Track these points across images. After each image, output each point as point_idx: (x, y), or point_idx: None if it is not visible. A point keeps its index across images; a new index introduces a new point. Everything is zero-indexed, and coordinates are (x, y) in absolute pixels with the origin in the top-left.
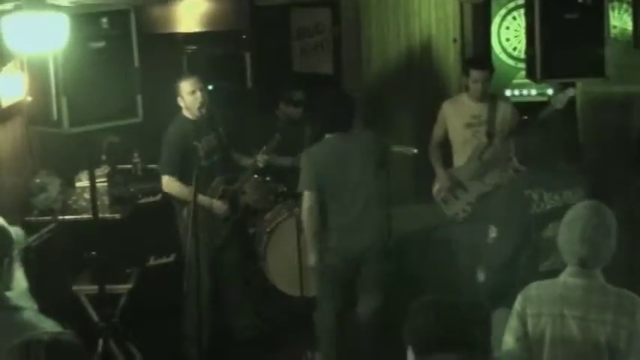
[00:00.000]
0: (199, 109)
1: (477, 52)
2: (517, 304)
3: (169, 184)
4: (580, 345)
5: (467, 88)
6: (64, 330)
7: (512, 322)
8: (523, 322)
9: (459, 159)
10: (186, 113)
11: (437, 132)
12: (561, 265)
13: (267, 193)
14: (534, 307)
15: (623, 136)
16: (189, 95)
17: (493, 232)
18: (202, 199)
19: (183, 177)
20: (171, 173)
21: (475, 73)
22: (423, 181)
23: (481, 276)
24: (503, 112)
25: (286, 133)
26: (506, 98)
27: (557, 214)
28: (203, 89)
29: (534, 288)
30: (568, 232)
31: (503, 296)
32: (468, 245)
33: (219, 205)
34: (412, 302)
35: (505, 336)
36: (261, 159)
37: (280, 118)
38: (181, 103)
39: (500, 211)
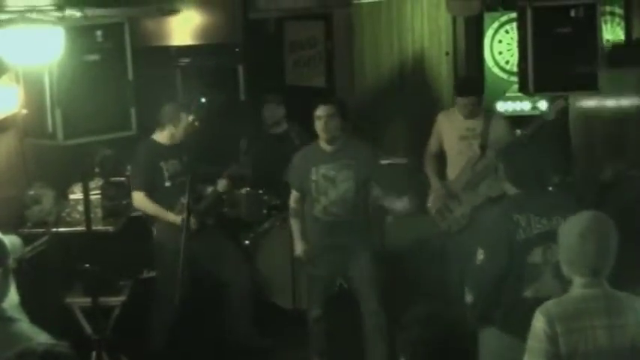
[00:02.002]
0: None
1: (469, 72)
2: (542, 325)
3: (137, 198)
4: (609, 353)
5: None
6: (58, 342)
7: (540, 344)
8: (554, 342)
9: (453, 170)
10: (156, 137)
11: (432, 143)
12: (546, 292)
13: (260, 206)
14: (563, 325)
15: (615, 148)
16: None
17: (480, 255)
18: (165, 214)
19: (151, 194)
20: (140, 188)
21: (460, 100)
22: (417, 192)
23: (469, 297)
24: (497, 125)
25: (273, 146)
26: (500, 114)
27: (542, 239)
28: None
29: (555, 306)
30: (581, 245)
31: (490, 317)
32: (461, 257)
33: (174, 218)
34: (405, 314)
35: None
36: (221, 185)
37: (267, 123)
38: (168, 128)
39: (488, 235)
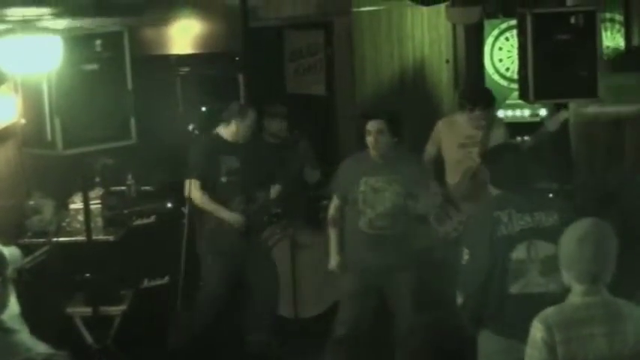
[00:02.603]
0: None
1: (470, 79)
2: (540, 333)
3: (193, 188)
4: None
5: (461, 106)
6: (57, 352)
7: (539, 353)
8: (552, 350)
9: (452, 178)
10: (220, 131)
11: (430, 150)
12: (533, 288)
13: (261, 214)
14: (562, 333)
15: (615, 155)
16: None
17: (466, 255)
18: (219, 210)
19: (204, 187)
20: (195, 176)
21: (478, 112)
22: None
23: (459, 299)
24: (497, 133)
25: (273, 157)
26: (500, 120)
27: (525, 235)
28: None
29: (554, 314)
30: (579, 251)
31: (481, 318)
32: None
33: (235, 217)
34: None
35: None
36: (274, 191)
37: (266, 139)
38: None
39: (471, 234)
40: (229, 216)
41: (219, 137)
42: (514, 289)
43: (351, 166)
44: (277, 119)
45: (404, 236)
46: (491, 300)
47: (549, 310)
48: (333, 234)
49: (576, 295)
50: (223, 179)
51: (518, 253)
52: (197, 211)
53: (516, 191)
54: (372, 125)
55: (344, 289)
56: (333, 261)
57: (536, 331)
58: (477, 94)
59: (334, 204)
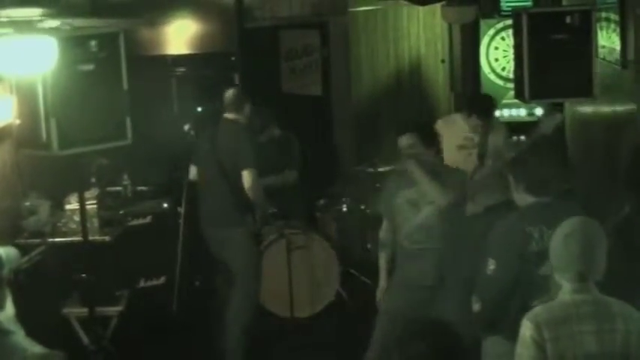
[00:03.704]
0: None
1: (465, 77)
2: (529, 332)
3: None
4: (598, 359)
5: (459, 110)
6: (53, 352)
7: (528, 351)
8: (541, 348)
9: None
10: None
11: None
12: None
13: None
14: (551, 331)
15: (612, 155)
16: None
17: (491, 265)
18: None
19: None
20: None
21: (477, 120)
22: None
23: (476, 306)
24: (496, 134)
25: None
26: (500, 123)
27: None
28: None
29: (543, 312)
30: (565, 248)
31: (495, 326)
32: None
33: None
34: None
35: None
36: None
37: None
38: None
39: (499, 245)
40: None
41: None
42: (537, 303)
43: (390, 181)
44: (260, 136)
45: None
46: (511, 311)
47: (538, 309)
48: (381, 259)
49: (565, 293)
50: None
51: (546, 269)
52: None
53: (547, 199)
54: (402, 141)
55: (382, 307)
56: (379, 287)
57: (526, 329)
58: (473, 101)
59: (383, 226)
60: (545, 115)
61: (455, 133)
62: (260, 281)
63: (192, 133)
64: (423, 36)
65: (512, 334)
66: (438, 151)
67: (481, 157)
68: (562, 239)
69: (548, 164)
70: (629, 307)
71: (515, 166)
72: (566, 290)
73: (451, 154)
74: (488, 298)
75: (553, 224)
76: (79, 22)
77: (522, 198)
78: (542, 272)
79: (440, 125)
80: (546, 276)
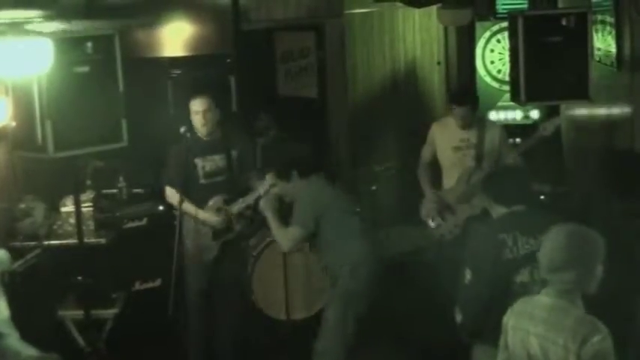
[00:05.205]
0: (202, 128)
1: (461, 81)
2: (505, 317)
3: (168, 193)
4: None
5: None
6: (47, 354)
7: (503, 335)
8: (506, 334)
9: (448, 181)
10: (196, 131)
11: (425, 153)
12: None
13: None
14: (513, 321)
15: (607, 157)
16: (194, 115)
17: (468, 275)
18: (190, 208)
19: (183, 191)
20: (169, 184)
21: (458, 110)
22: (411, 202)
23: (458, 317)
24: (492, 135)
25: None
26: (493, 122)
27: (530, 259)
28: (210, 110)
29: (520, 302)
30: (550, 255)
31: (480, 334)
32: (454, 267)
33: (206, 216)
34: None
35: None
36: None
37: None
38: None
39: (474, 255)
40: (198, 213)
41: (195, 136)
42: None
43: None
44: (261, 138)
45: None
46: (493, 319)
47: (521, 299)
48: None
49: (542, 292)
50: (202, 181)
51: (523, 276)
52: None
53: (523, 210)
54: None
55: None
56: None
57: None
58: (456, 91)
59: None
60: (540, 118)
61: (449, 135)
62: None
63: (188, 135)
64: (419, 38)
65: (497, 341)
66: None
67: (478, 158)
68: (549, 245)
69: (514, 176)
70: (591, 327)
71: (485, 181)
72: (544, 290)
73: (447, 157)
74: (468, 308)
75: (527, 231)
76: (74, 24)
77: (495, 211)
78: (519, 280)
79: (434, 128)
80: (524, 283)
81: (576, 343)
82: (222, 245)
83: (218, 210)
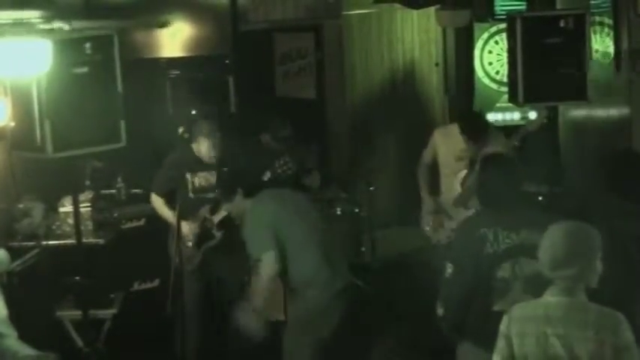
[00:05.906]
0: (207, 153)
1: (459, 80)
2: (502, 326)
3: (154, 200)
4: None
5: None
6: (45, 354)
7: (499, 343)
8: (509, 343)
9: (447, 188)
10: (194, 145)
11: (426, 157)
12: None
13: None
14: (518, 327)
15: (605, 158)
16: (201, 138)
17: (449, 268)
18: (168, 215)
19: (169, 200)
20: (156, 192)
21: (471, 144)
22: (407, 204)
23: (440, 310)
24: (494, 144)
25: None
26: (496, 131)
27: (511, 253)
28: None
29: (519, 308)
30: (551, 252)
31: (461, 329)
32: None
33: (183, 226)
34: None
35: (493, 356)
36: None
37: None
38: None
39: (455, 249)
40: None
41: (191, 149)
42: (498, 306)
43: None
44: (274, 143)
45: None
46: (474, 315)
47: (516, 305)
48: None
49: (547, 293)
50: (191, 195)
51: (504, 272)
52: None
53: (505, 209)
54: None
55: None
56: None
57: (502, 322)
58: (464, 123)
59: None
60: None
61: (452, 144)
62: None
63: (186, 135)
64: (417, 39)
65: (482, 341)
66: None
67: (472, 162)
68: (550, 242)
69: (514, 177)
70: (614, 317)
71: (481, 166)
72: (548, 291)
73: (448, 164)
74: (449, 302)
75: (508, 226)
76: (73, 24)
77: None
78: (500, 275)
79: (437, 135)
80: (505, 279)
81: (609, 335)
82: (205, 251)
83: (204, 220)
